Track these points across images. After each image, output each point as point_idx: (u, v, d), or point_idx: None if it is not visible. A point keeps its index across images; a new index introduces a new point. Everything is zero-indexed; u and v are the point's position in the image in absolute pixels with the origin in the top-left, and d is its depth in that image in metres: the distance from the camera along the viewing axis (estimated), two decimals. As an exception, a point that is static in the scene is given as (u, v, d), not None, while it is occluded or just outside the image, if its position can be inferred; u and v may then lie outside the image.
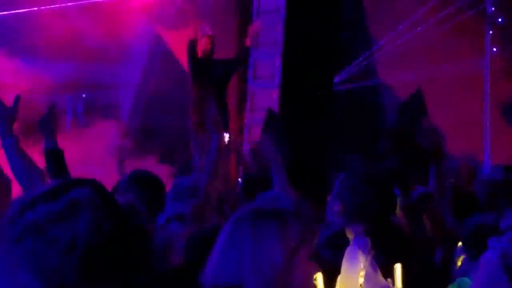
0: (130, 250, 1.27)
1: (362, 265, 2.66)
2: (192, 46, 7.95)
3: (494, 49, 7.58)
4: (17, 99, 3.26)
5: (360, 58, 8.25)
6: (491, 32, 7.66)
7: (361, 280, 2.34)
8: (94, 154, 7.66)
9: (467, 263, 3.27)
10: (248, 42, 8.14)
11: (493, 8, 7.60)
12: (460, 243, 3.50)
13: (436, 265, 3.61)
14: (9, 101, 3.24)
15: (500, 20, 7.66)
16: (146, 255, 1.38)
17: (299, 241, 1.86)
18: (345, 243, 2.81)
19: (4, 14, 8.24)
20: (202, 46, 8.00)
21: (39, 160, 3.25)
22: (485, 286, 2.67)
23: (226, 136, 6.81)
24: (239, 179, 7.06)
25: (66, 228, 1.16)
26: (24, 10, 8.30)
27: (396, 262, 2.69)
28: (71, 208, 1.19)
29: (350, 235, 2.84)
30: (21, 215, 1.20)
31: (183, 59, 8.48)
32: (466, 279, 3.02)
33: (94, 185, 1.27)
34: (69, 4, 8.23)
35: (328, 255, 2.87)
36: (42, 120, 3.43)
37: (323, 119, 8.10)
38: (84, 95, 9.49)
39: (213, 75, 8.01)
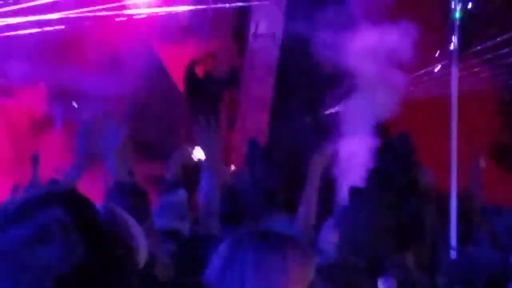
0: (111, 273, 1.16)
1: None
2: (192, 65, 8.13)
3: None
4: None
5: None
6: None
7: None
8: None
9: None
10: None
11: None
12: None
13: None
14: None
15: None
16: (128, 276, 1.30)
17: (299, 271, 1.85)
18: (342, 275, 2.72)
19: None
20: (206, 66, 8.19)
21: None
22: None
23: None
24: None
25: (37, 255, 1.09)
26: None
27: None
28: (42, 232, 1.11)
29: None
30: None
31: (177, 74, 8.61)
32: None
33: (68, 201, 1.18)
34: (70, 13, 8.28)
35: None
36: None
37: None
38: (75, 105, 9.53)
39: (208, 93, 8.14)
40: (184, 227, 3.72)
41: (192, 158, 5.19)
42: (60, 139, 8.82)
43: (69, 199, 1.16)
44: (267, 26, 8.93)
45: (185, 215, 3.74)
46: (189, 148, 5.66)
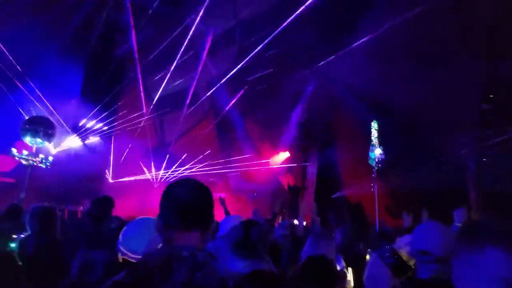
0: None
1: None
2: (289, 185, 24.74)
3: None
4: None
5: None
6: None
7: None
8: None
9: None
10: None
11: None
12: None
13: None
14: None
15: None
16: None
17: None
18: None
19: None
20: (294, 183, 24.77)
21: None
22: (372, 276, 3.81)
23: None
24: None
25: None
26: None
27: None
28: None
29: None
30: None
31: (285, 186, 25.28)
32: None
33: None
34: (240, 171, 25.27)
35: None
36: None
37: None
38: (255, 194, 26.49)
39: (295, 191, 24.55)
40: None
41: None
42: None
43: None
44: (313, 168, 25.20)
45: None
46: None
